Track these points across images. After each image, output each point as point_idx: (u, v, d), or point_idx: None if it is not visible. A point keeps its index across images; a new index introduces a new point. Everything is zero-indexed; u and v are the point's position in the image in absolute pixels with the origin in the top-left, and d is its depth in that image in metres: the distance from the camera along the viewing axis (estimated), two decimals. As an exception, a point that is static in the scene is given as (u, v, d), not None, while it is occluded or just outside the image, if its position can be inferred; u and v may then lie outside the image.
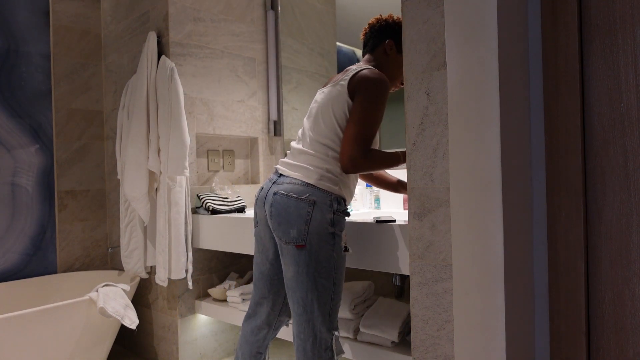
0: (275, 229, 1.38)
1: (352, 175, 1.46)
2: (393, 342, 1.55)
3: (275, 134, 2.59)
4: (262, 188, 1.47)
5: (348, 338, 1.66)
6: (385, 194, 2.06)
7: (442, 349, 1.23)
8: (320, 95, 1.50)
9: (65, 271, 2.50)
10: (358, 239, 1.54)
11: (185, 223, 2.14)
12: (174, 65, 2.10)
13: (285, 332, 1.85)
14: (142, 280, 2.40)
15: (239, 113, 2.46)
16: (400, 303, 1.65)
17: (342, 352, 1.42)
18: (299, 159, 1.42)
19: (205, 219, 2.13)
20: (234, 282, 2.23)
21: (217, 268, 2.35)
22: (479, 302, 1.13)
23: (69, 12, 2.54)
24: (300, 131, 1.50)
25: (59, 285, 2.42)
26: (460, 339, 1.17)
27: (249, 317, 1.56)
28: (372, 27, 1.58)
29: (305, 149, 1.42)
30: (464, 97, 1.14)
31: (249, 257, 2.47)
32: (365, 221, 1.54)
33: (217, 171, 2.39)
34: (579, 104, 1.12)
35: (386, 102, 1.40)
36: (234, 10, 2.44)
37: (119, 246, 2.52)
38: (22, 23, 2.37)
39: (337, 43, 2.41)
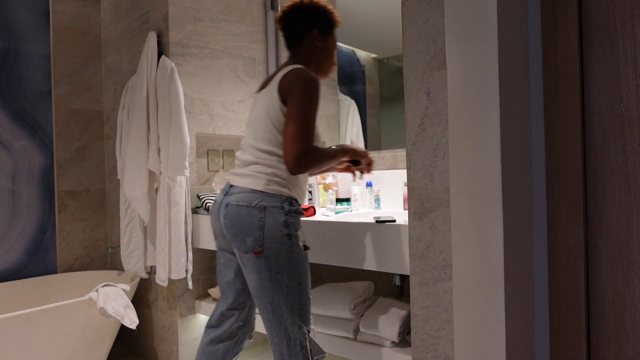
0: (232, 240, 1.39)
1: (301, 175, 1.44)
2: (393, 342, 1.55)
3: (275, 134, 2.59)
4: (215, 201, 1.47)
5: (348, 338, 1.66)
6: (385, 194, 2.06)
7: (442, 349, 1.23)
8: (255, 102, 1.49)
9: (65, 271, 2.50)
10: (358, 239, 1.54)
11: (185, 223, 2.14)
12: (174, 65, 2.10)
13: (285, 332, 1.85)
14: (142, 280, 2.40)
15: (239, 113, 2.46)
16: (400, 303, 1.65)
17: (322, 352, 1.40)
18: (246, 168, 1.42)
19: (205, 219, 2.13)
20: (234, 282, 2.23)
21: (217, 268, 2.35)
22: (479, 302, 1.13)
23: (69, 12, 2.54)
24: (243, 140, 1.49)
25: (59, 285, 2.42)
26: (460, 339, 1.17)
27: (210, 327, 1.54)
28: (288, 18, 1.51)
29: (250, 158, 1.42)
30: (464, 97, 1.14)
31: (249, 257, 2.47)
32: (365, 221, 1.54)
33: (217, 171, 2.39)
34: (579, 104, 1.12)
35: (319, 100, 1.38)
36: (234, 10, 2.44)
37: (119, 246, 2.52)
38: (22, 23, 2.37)
39: (337, 43, 2.41)
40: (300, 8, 1.51)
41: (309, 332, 1.39)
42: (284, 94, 1.38)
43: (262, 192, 1.36)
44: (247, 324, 1.57)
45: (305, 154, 1.30)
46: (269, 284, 1.35)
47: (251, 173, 1.39)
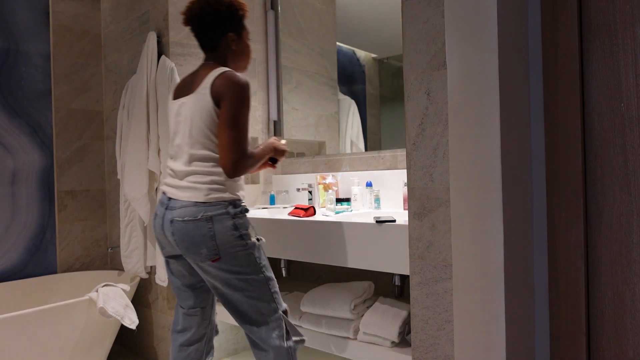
0: (186, 254, 1.40)
1: None
2: (393, 342, 1.55)
3: (275, 134, 2.59)
4: (157, 215, 1.46)
5: (348, 338, 1.66)
6: (385, 194, 2.06)
7: (442, 349, 1.23)
8: (182, 107, 1.45)
9: (65, 271, 2.50)
10: (358, 239, 1.54)
11: (185, 223, 2.14)
12: (174, 65, 2.10)
13: (285, 332, 1.85)
14: (142, 280, 2.40)
15: (239, 113, 2.45)
16: (400, 303, 1.65)
17: (299, 334, 1.48)
18: (184, 178, 1.41)
19: (205, 219, 2.13)
20: (234, 282, 2.23)
21: (217, 268, 2.35)
22: (479, 302, 1.13)
23: (69, 12, 2.54)
24: (173, 148, 1.48)
25: (59, 285, 2.42)
26: (460, 339, 1.17)
27: (176, 332, 1.56)
28: (198, 23, 1.47)
29: (186, 168, 1.41)
30: (464, 97, 1.14)
31: (249, 257, 2.47)
32: (365, 221, 1.54)
33: (217, 171, 2.39)
34: (579, 104, 1.12)
35: (250, 103, 1.42)
36: (234, 10, 2.44)
37: (119, 246, 2.52)
38: (22, 23, 2.37)
39: (337, 43, 2.41)
40: (210, 13, 1.44)
41: (284, 312, 1.46)
42: (217, 98, 1.37)
43: (205, 203, 1.37)
44: (211, 322, 1.59)
45: (241, 159, 1.38)
46: (237, 283, 1.40)
47: (190, 185, 1.39)
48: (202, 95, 1.39)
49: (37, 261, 2.40)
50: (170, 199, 1.43)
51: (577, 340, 1.14)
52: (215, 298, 1.56)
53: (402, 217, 1.64)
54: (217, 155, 1.40)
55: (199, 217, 1.35)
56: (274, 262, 2.59)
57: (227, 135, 1.36)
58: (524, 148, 1.18)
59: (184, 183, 1.41)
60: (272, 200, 2.43)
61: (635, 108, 1.06)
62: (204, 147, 1.40)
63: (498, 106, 1.08)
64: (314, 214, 1.84)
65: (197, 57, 2.26)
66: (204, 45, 1.52)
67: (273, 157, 1.63)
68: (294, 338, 1.46)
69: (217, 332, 1.63)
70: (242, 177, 1.48)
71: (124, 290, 2.06)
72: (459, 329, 1.17)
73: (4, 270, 2.28)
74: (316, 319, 1.75)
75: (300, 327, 1.80)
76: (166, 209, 1.42)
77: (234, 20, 1.49)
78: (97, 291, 1.97)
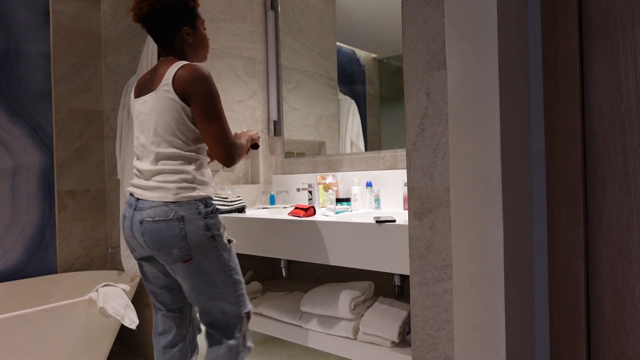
0: (157, 255, 1.38)
1: (205, 169, 1.45)
2: (393, 342, 1.55)
3: (275, 134, 2.59)
4: (125, 216, 1.43)
5: (348, 338, 1.66)
6: (385, 194, 2.06)
7: (442, 349, 1.23)
8: (144, 105, 1.41)
9: (65, 271, 2.50)
10: (358, 239, 1.54)
11: (185, 223, 2.13)
12: (174, 65, 2.09)
13: (282, 331, 1.85)
14: (142, 280, 2.40)
15: (239, 113, 2.45)
16: (400, 303, 1.65)
17: (251, 344, 1.49)
18: (151, 178, 1.38)
19: (205, 219, 2.13)
20: (234, 282, 2.23)
21: (217, 268, 2.35)
22: (479, 302, 1.13)
23: (69, 12, 2.54)
24: (137, 148, 1.44)
25: (59, 285, 2.42)
26: (460, 339, 1.17)
27: (157, 334, 1.55)
28: (150, 20, 1.41)
29: (152, 167, 1.38)
30: (464, 97, 1.14)
31: (249, 257, 2.47)
32: (365, 221, 1.54)
33: (217, 171, 2.39)
34: (579, 104, 1.12)
35: (217, 89, 1.40)
36: (234, 10, 2.44)
37: (119, 246, 2.52)
38: (22, 23, 2.37)
39: (337, 43, 2.41)
40: (161, 10, 1.40)
41: (247, 314, 1.47)
42: (183, 94, 1.35)
43: (175, 202, 1.34)
44: (192, 320, 1.59)
45: (232, 148, 1.40)
46: (204, 285, 1.39)
47: (158, 185, 1.36)
48: (165, 92, 1.35)
49: (37, 261, 2.40)
50: (138, 199, 1.39)
51: (577, 340, 1.14)
52: None
53: (402, 217, 1.64)
54: (186, 153, 1.38)
55: (170, 217, 1.33)
56: (274, 262, 2.59)
57: (211, 130, 1.36)
58: (524, 148, 1.18)
59: (151, 183, 1.37)
60: (272, 200, 2.43)
61: (635, 108, 1.06)
62: (171, 145, 1.37)
63: (498, 106, 1.08)
64: (314, 214, 1.84)
65: (197, 57, 2.26)
66: (159, 42, 1.47)
67: (253, 143, 1.69)
68: (247, 343, 1.47)
69: (199, 330, 1.62)
70: (208, 171, 1.47)
71: (124, 290, 2.06)
72: (459, 329, 1.17)
73: (4, 270, 2.28)
74: (316, 319, 1.75)
75: (300, 327, 1.80)
76: (135, 210, 1.39)
77: (187, 13, 1.44)
78: (97, 291, 1.97)
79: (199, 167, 1.42)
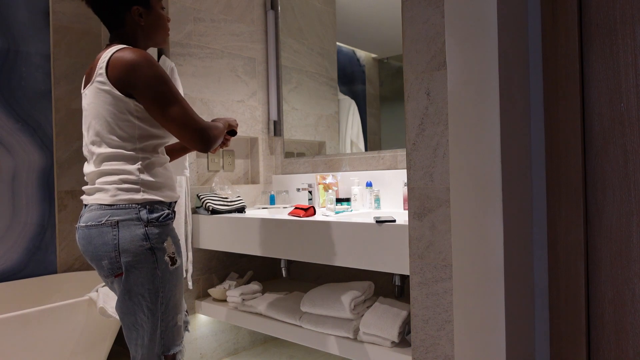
0: (91, 264, 1.24)
1: (158, 169, 1.28)
2: (393, 342, 1.55)
3: (275, 134, 2.59)
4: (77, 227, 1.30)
5: (348, 338, 1.66)
6: (385, 194, 2.06)
7: (442, 349, 1.23)
8: (85, 99, 1.27)
9: (65, 271, 2.50)
10: (358, 239, 1.54)
11: (185, 223, 2.13)
12: (174, 65, 2.10)
13: (282, 331, 1.85)
14: (142, 280, 2.40)
15: (239, 113, 2.45)
16: (400, 303, 1.65)
17: None
18: (94, 181, 1.24)
19: (205, 219, 2.13)
20: (234, 282, 2.23)
21: (217, 268, 2.35)
22: (479, 302, 1.13)
23: (69, 12, 2.54)
24: (83, 149, 1.30)
25: (59, 285, 2.42)
26: (460, 339, 1.17)
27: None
28: None
29: (95, 169, 1.23)
30: (464, 97, 1.14)
31: (249, 257, 2.47)
32: (365, 221, 1.54)
33: (217, 171, 2.39)
34: (579, 104, 1.12)
35: (164, 70, 1.23)
36: (234, 10, 2.44)
37: (119, 246, 2.52)
38: (22, 23, 2.37)
39: (337, 43, 2.41)
40: None
41: (169, 358, 1.26)
42: (122, 85, 1.17)
43: (111, 205, 1.18)
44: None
45: (202, 131, 1.21)
46: (131, 305, 1.20)
47: (98, 187, 1.22)
48: (99, 83, 1.19)
49: (37, 261, 2.40)
50: (85, 205, 1.26)
51: (577, 340, 1.14)
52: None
53: (402, 217, 1.64)
54: (129, 152, 1.21)
55: (102, 221, 1.17)
56: (274, 262, 2.59)
57: (171, 116, 1.18)
58: (524, 148, 1.18)
59: (94, 185, 1.24)
60: (272, 200, 2.43)
61: (635, 108, 1.06)
62: (112, 145, 1.21)
63: (498, 106, 1.08)
64: (314, 214, 1.84)
65: (197, 57, 2.26)
66: (108, 25, 1.30)
67: (231, 129, 1.51)
68: None
69: (187, 330, 1.47)
70: (167, 172, 1.31)
71: (124, 290, 2.06)
72: (459, 329, 1.17)
73: (4, 270, 2.28)
74: (316, 319, 1.75)
75: (300, 327, 1.80)
76: (81, 217, 1.26)
77: None
78: (97, 291, 1.97)
79: (148, 168, 1.24)
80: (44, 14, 2.45)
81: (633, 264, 1.07)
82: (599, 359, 1.13)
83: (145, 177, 1.22)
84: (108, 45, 1.27)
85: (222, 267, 2.37)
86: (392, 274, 1.63)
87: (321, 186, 2.21)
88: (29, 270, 2.37)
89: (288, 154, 2.57)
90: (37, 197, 2.41)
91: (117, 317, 1.93)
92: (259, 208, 2.36)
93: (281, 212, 2.14)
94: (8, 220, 2.31)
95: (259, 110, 2.56)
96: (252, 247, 1.90)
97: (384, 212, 1.93)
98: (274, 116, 2.59)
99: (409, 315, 1.57)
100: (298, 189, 2.28)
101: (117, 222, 1.17)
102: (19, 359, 1.76)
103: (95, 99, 1.21)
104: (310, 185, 2.26)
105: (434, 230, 1.24)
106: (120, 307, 1.23)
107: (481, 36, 1.10)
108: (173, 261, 1.24)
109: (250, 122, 2.51)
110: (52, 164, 2.47)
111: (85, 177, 1.29)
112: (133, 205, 1.19)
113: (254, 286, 2.15)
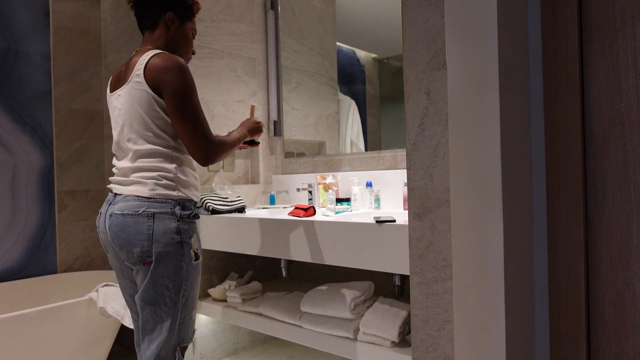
0: (119, 252, 1.30)
1: (188, 168, 1.37)
2: (393, 342, 1.55)
3: (275, 134, 2.59)
4: (100, 213, 1.36)
5: (348, 338, 1.66)
6: (385, 194, 2.06)
7: (442, 349, 1.23)
8: (118, 100, 1.34)
9: (65, 271, 2.50)
10: (358, 239, 1.54)
11: (185, 223, 2.13)
12: (174, 65, 2.10)
13: (282, 331, 1.85)
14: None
15: (239, 113, 2.45)
16: (400, 303, 1.65)
17: None
18: (129, 175, 1.31)
19: (205, 219, 2.13)
20: (234, 282, 2.23)
21: (217, 268, 2.35)
22: (479, 302, 1.13)
23: (69, 12, 2.54)
24: (114, 146, 1.39)
25: (59, 285, 2.42)
26: (460, 339, 1.17)
27: (138, 344, 1.42)
28: None
29: (131, 165, 1.30)
30: (464, 97, 1.14)
31: (249, 257, 2.47)
32: (365, 221, 1.54)
33: (217, 171, 2.39)
34: (579, 104, 1.12)
35: (194, 81, 1.32)
36: (234, 10, 2.44)
37: (119, 246, 2.52)
38: (22, 23, 2.37)
39: (337, 43, 2.41)
40: None
41: (183, 348, 1.33)
42: (155, 85, 1.26)
43: (149, 198, 1.26)
44: None
45: (208, 147, 1.28)
46: (154, 296, 1.27)
47: (135, 179, 1.29)
48: (137, 84, 1.27)
49: (37, 261, 2.40)
50: (115, 195, 1.33)
51: (577, 340, 1.14)
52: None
53: (402, 217, 1.64)
54: (165, 150, 1.30)
55: (139, 212, 1.24)
56: (274, 262, 2.59)
57: (185, 128, 1.26)
58: (524, 148, 1.18)
59: (130, 178, 1.30)
60: (272, 200, 2.44)
61: (635, 108, 1.06)
62: (148, 142, 1.29)
63: (498, 106, 1.08)
64: (314, 214, 1.84)
65: (197, 56, 2.26)
66: (141, 21, 1.41)
67: (251, 139, 1.59)
68: None
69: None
70: (195, 176, 1.40)
71: (124, 290, 2.06)
72: (459, 329, 1.17)
73: (4, 270, 2.28)
74: (316, 319, 1.75)
75: (300, 327, 1.80)
76: (109, 204, 1.32)
77: (179, 3, 1.40)
78: (97, 291, 1.97)
79: (181, 166, 1.34)
80: (44, 14, 2.45)
81: (633, 264, 1.07)
82: (599, 359, 1.13)
83: (181, 176, 1.31)
84: (140, 50, 1.36)
85: (222, 267, 2.37)
86: (392, 274, 1.63)
87: (321, 186, 2.21)
88: (29, 270, 2.37)
89: (288, 154, 2.57)
90: (37, 197, 2.41)
91: (118, 317, 1.94)
92: (259, 208, 2.36)
93: (281, 212, 2.14)
94: (8, 220, 2.31)
95: (259, 110, 2.56)
96: (252, 247, 1.90)
97: (384, 212, 1.93)
98: (274, 116, 2.59)
99: (409, 315, 1.57)
100: (298, 189, 2.28)
101: (154, 214, 1.25)
102: (19, 359, 1.76)
103: (132, 98, 1.28)
104: (310, 185, 2.26)
105: (434, 230, 1.24)
106: (142, 296, 1.28)
107: (481, 36, 1.10)
108: (196, 256, 1.32)
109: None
110: (52, 164, 2.47)
111: (115, 171, 1.36)
112: (169, 200, 1.28)
113: (254, 286, 2.15)
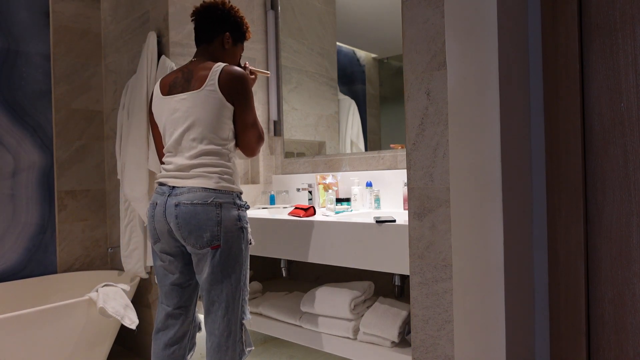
0: (186, 238, 1.42)
1: (234, 165, 1.54)
2: (393, 342, 1.55)
3: (275, 134, 2.59)
4: (155, 204, 1.48)
5: (348, 338, 1.66)
6: (385, 194, 2.06)
7: (442, 349, 1.23)
8: (181, 103, 1.48)
9: (65, 271, 2.50)
10: (358, 239, 1.54)
11: (185, 223, 2.14)
12: (174, 65, 2.10)
13: (282, 331, 1.85)
14: (142, 280, 2.40)
15: (239, 113, 2.45)
16: (400, 303, 1.65)
17: (251, 345, 1.51)
18: (189, 170, 1.45)
19: (205, 219, 2.13)
20: (234, 282, 2.23)
21: (217, 268, 2.35)
22: (479, 302, 1.13)
23: (69, 12, 2.54)
24: (171, 144, 1.49)
25: (59, 285, 2.42)
26: (460, 339, 1.17)
27: (158, 331, 1.56)
28: (209, 13, 1.58)
29: (191, 162, 1.44)
30: (464, 97, 1.14)
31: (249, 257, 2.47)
32: (365, 221, 1.54)
33: (217, 171, 2.39)
34: (579, 104, 1.12)
35: None
36: (234, 10, 2.44)
37: (119, 246, 2.52)
38: (22, 23, 2.37)
39: (337, 43, 2.41)
40: (222, 9, 1.58)
41: (245, 324, 1.49)
42: (229, 94, 1.45)
43: (215, 190, 1.42)
44: (194, 319, 1.61)
45: (262, 137, 1.54)
46: (221, 276, 1.42)
47: (199, 173, 1.44)
48: (211, 92, 1.44)
49: (37, 261, 2.40)
50: (173, 187, 1.45)
51: (577, 340, 1.14)
52: (198, 295, 1.58)
53: (402, 217, 1.64)
54: (224, 150, 1.47)
55: (209, 201, 1.40)
56: (274, 262, 2.59)
57: (248, 120, 1.50)
58: (524, 148, 1.18)
59: (191, 173, 1.44)
60: (272, 200, 2.43)
61: (635, 108, 1.06)
62: (211, 142, 1.45)
63: (498, 106, 1.08)
64: (314, 214, 1.84)
65: (197, 57, 2.26)
66: (201, 34, 1.59)
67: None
68: (246, 349, 1.49)
69: (199, 328, 1.64)
70: (238, 172, 1.56)
71: (124, 290, 2.06)
72: (459, 329, 1.17)
73: (4, 270, 2.28)
74: (316, 319, 1.75)
75: (300, 327, 1.80)
76: (169, 196, 1.44)
77: (237, 27, 1.61)
78: (97, 291, 1.97)
79: (234, 164, 1.52)
80: (44, 14, 2.45)
81: (633, 264, 1.07)
82: (598, 359, 1.13)
83: (234, 171, 1.51)
84: (198, 61, 1.53)
85: (222, 267, 2.37)
86: (392, 274, 1.63)
87: (321, 186, 2.21)
88: (29, 270, 2.37)
89: (288, 154, 2.57)
90: (37, 197, 2.41)
91: (118, 317, 1.94)
92: (259, 208, 2.36)
93: (281, 212, 2.14)
94: (8, 220, 2.31)
95: (259, 110, 2.56)
96: (252, 247, 1.90)
97: (384, 212, 1.93)
98: (274, 116, 2.59)
99: (409, 315, 1.57)
100: (298, 189, 2.28)
101: (221, 203, 1.41)
102: (19, 359, 1.76)
103: (203, 102, 1.45)
104: (310, 185, 2.26)
105: (434, 230, 1.24)
106: (209, 280, 1.43)
107: (481, 36, 1.10)
108: (250, 241, 1.51)
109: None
110: (52, 164, 2.47)
111: (170, 166, 1.49)
112: (231, 192, 1.45)
113: (254, 286, 2.15)
